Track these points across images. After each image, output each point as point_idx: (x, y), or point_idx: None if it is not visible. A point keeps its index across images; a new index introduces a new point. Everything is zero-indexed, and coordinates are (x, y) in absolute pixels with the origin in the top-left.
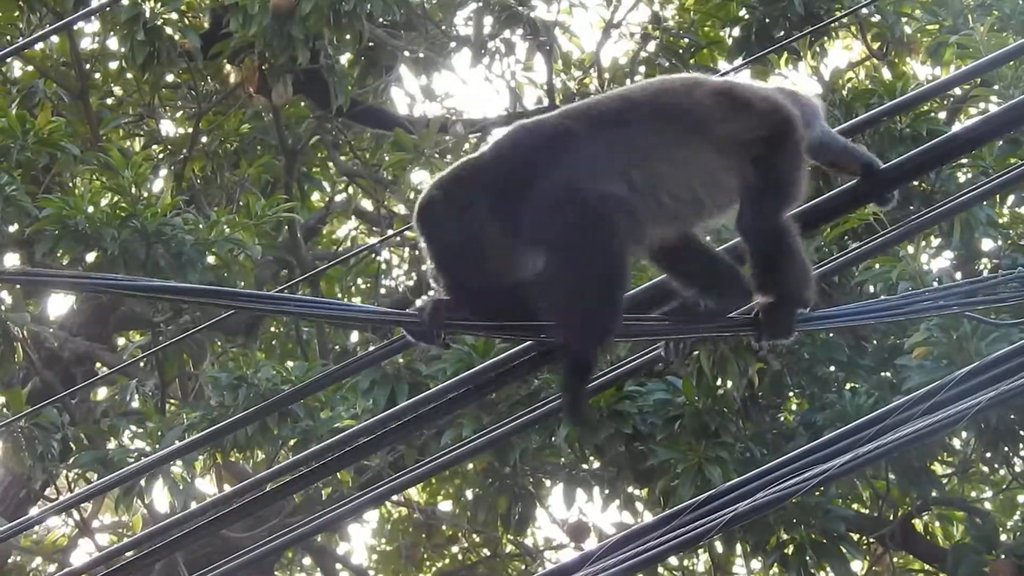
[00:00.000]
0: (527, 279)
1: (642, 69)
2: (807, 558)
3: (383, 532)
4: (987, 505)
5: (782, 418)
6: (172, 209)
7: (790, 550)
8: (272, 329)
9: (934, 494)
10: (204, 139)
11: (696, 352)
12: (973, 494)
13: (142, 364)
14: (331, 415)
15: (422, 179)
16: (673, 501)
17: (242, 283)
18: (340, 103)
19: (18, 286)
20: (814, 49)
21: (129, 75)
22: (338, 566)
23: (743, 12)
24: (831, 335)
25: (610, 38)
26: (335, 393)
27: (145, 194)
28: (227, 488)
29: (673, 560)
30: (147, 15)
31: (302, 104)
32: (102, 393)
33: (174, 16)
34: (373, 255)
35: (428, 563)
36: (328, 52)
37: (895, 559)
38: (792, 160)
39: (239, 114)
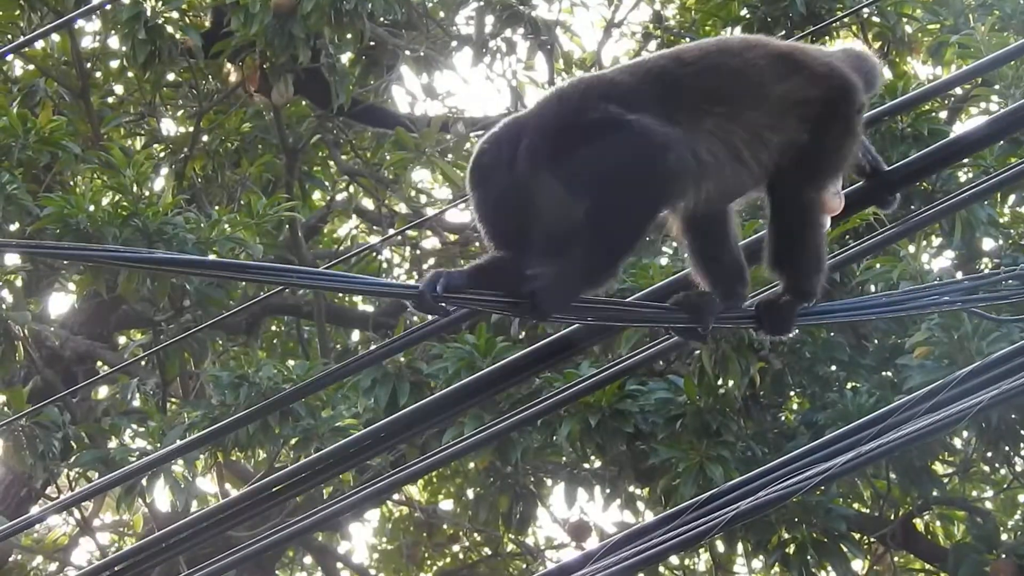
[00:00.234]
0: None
1: None
2: (808, 557)
3: (384, 531)
4: (988, 505)
5: (783, 417)
6: (173, 208)
7: (791, 549)
8: (273, 328)
9: (935, 493)
10: (205, 138)
11: (698, 351)
12: (974, 493)
13: (143, 363)
14: (332, 414)
15: (423, 178)
16: (674, 500)
17: (243, 282)
18: (341, 102)
19: (19, 285)
20: None
21: (130, 74)
22: (339, 565)
23: (744, 12)
24: (832, 334)
25: (611, 37)
26: (336, 392)
27: (146, 193)
28: (228, 487)
29: (674, 559)
30: (148, 14)
31: (303, 103)
32: (103, 392)
33: (175, 15)
34: (374, 254)
35: (429, 562)
36: (329, 51)
37: (896, 558)
38: (846, 129)
39: (240, 113)
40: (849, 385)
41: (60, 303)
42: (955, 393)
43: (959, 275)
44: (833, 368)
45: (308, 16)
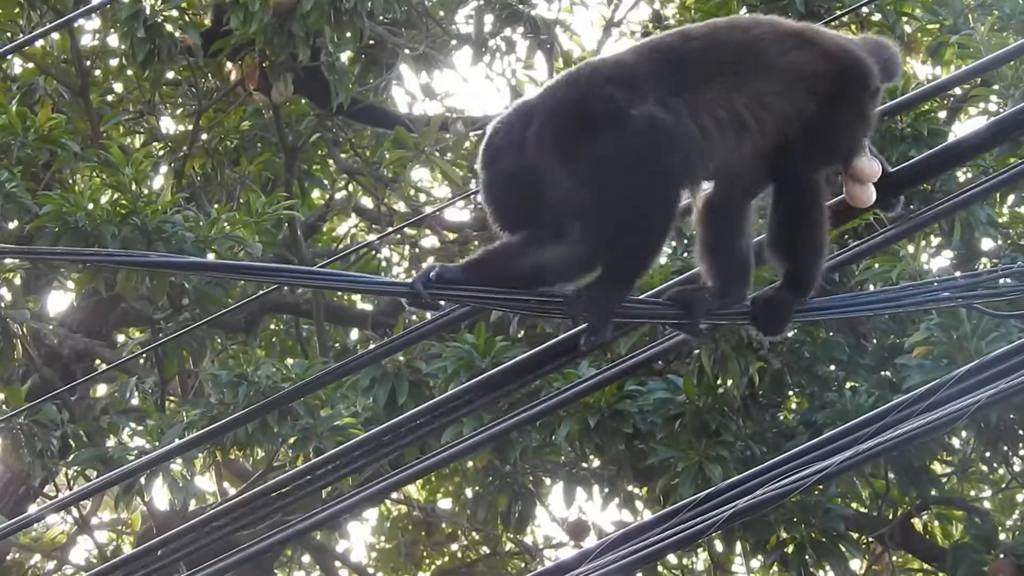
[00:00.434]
0: (574, 213)
1: None
2: (806, 557)
3: (382, 530)
4: (986, 504)
5: (782, 417)
6: (172, 206)
7: (790, 549)
8: (272, 326)
9: (933, 493)
10: (204, 136)
11: (697, 350)
12: (972, 493)
13: (142, 361)
14: (331, 413)
15: (422, 177)
16: (673, 500)
17: (242, 280)
18: (340, 101)
19: (18, 283)
20: None
21: (129, 72)
22: (337, 564)
23: (744, 10)
24: (831, 334)
25: (611, 36)
26: (335, 391)
27: (145, 191)
28: (227, 486)
29: (672, 558)
30: (147, 12)
31: (303, 101)
32: (102, 390)
33: (174, 13)
34: (373, 252)
35: (428, 561)
36: (329, 50)
37: (894, 558)
38: (856, 110)
39: (239, 111)
40: (848, 385)
41: (59, 301)
42: (953, 392)
43: (957, 275)
44: (832, 368)
45: (308, 14)
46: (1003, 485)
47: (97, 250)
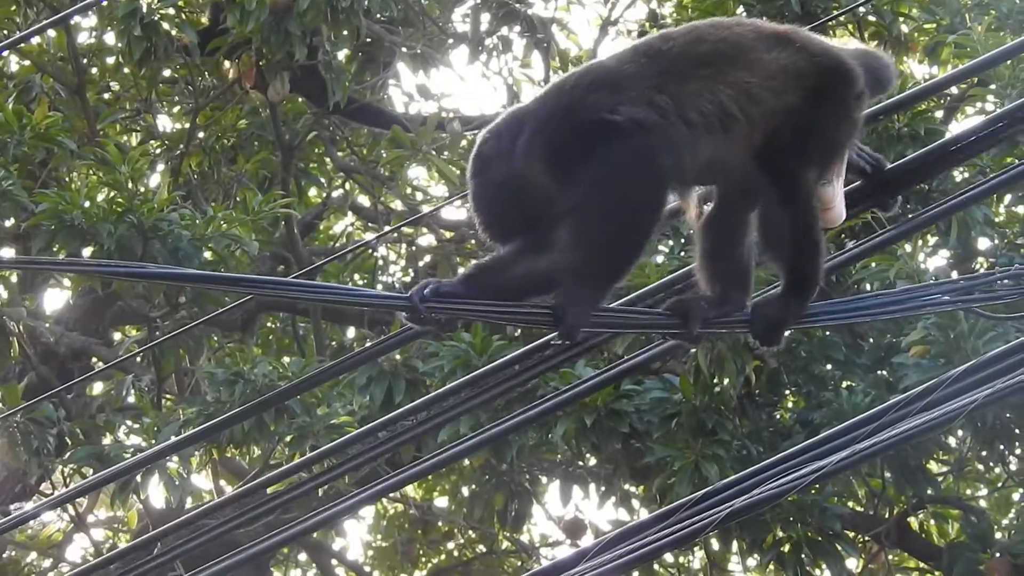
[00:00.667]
0: (563, 221)
1: None
2: (803, 556)
3: (379, 528)
4: (982, 503)
5: (779, 416)
6: (169, 204)
7: (786, 548)
8: (269, 325)
9: (930, 492)
10: (201, 134)
11: (693, 350)
12: (969, 492)
13: (138, 359)
14: (328, 411)
15: (419, 175)
16: (670, 498)
17: (240, 292)
18: (337, 99)
19: (15, 281)
20: None
21: (126, 70)
22: (334, 562)
23: (740, 10)
24: (828, 333)
25: (607, 35)
26: (332, 389)
27: (142, 189)
28: (223, 484)
29: (669, 557)
30: (144, 10)
31: (299, 100)
32: (98, 388)
33: (171, 11)
34: (370, 251)
35: (424, 559)
36: (325, 48)
37: (891, 557)
38: (842, 110)
39: (236, 110)
40: (845, 384)
41: (55, 299)
42: (950, 392)
43: (955, 274)
44: (829, 367)
45: (304, 13)
46: (999, 484)
47: (98, 261)
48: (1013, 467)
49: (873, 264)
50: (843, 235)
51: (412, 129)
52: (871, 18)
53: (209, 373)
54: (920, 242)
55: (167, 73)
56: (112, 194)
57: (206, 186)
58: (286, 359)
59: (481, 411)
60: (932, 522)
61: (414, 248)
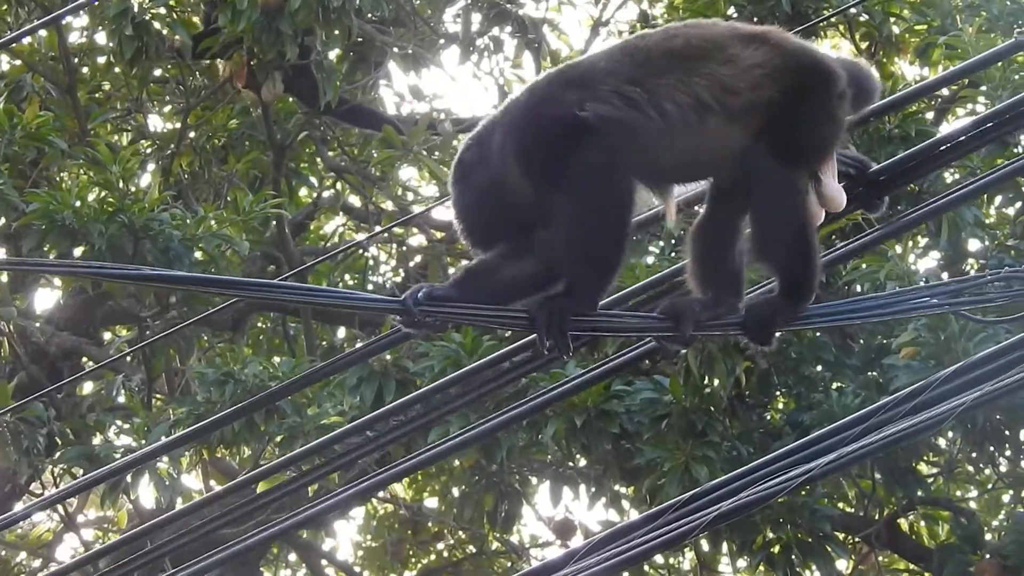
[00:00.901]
0: (541, 224)
1: None
2: (793, 557)
3: (369, 528)
4: (972, 505)
5: (769, 417)
6: (160, 204)
7: (776, 549)
8: (259, 325)
9: (920, 494)
10: (192, 134)
11: (684, 351)
12: (958, 494)
13: (129, 359)
14: (318, 412)
15: (410, 175)
16: (660, 500)
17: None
18: (328, 99)
19: (5, 280)
20: None
21: (117, 70)
22: (323, 562)
23: (731, 10)
24: (818, 334)
25: (599, 36)
26: (322, 389)
27: (133, 189)
28: (213, 484)
29: (659, 558)
30: (135, 10)
31: (290, 100)
32: (88, 388)
33: (162, 11)
34: (361, 251)
35: (414, 560)
36: (317, 48)
37: (881, 559)
38: (824, 110)
39: (227, 109)
40: (835, 385)
41: (46, 299)
42: (939, 393)
43: (945, 276)
44: (819, 368)
45: (296, 13)
46: (989, 486)
47: (88, 263)
48: (1003, 469)
49: (864, 265)
50: (833, 236)
51: (403, 130)
52: (862, 19)
53: (199, 373)
54: (910, 243)
55: (158, 73)
56: (103, 194)
57: (197, 186)
58: (276, 359)
59: (471, 411)
60: (922, 523)
61: (405, 248)
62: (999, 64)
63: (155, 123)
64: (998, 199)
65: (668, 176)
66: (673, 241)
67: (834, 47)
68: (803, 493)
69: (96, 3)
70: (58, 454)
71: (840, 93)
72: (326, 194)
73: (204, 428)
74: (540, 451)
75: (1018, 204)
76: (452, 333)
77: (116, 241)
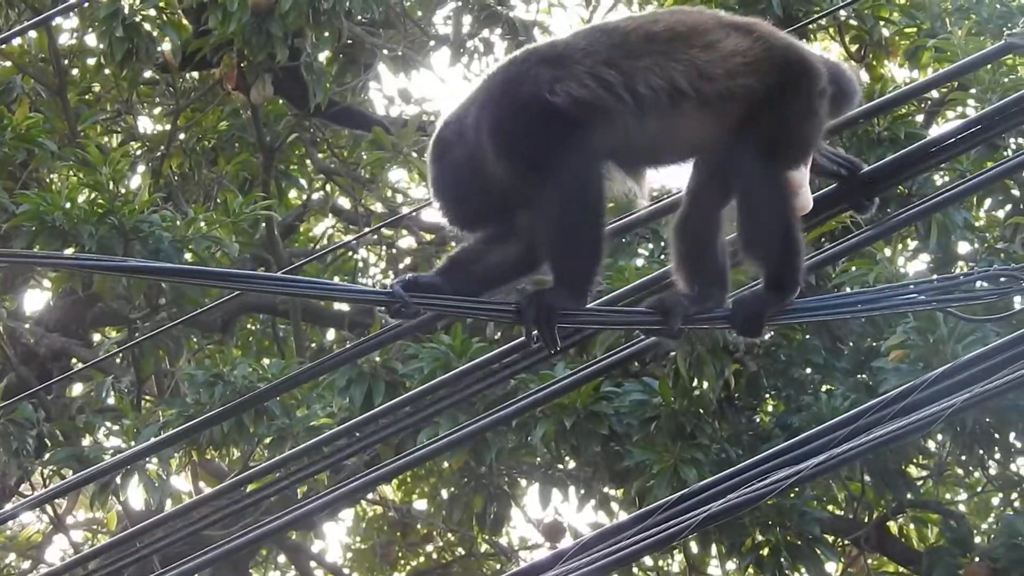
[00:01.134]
0: (521, 205)
1: None
2: (782, 559)
3: (358, 530)
4: (962, 507)
5: (758, 420)
6: (150, 206)
7: (765, 551)
8: (248, 326)
9: (909, 496)
10: (182, 136)
11: (673, 353)
12: (948, 496)
13: (118, 360)
14: (307, 413)
15: (400, 177)
16: (649, 501)
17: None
18: (319, 101)
19: None
20: None
21: (107, 71)
22: (312, 564)
23: (720, 13)
24: (807, 336)
25: None
26: (311, 391)
27: (123, 191)
28: (203, 485)
29: (648, 560)
30: (126, 12)
31: (280, 102)
32: (78, 389)
33: (152, 13)
34: (350, 253)
35: (403, 562)
36: (307, 50)
37: (870, 561)
38: (806, 105)
39: (217, 111)
40: (824, 388)
41: (35, 300)
42: (928, 395)
43: (934, 278)
44: (808, 371)
45: (286, 14)
46: (979, 488)
47: (76, 255)
48: (992, 471)
49: (853, 268)
50: (822, 238)
51: (393, 131)
52: (852, 22)
53: (189, 374)
54: (900, 246)
55: (148, 74)
56: (93, 195)
57: (187, 187)
58: (266, 360)
59: (460, 412)
60: (912, 526)
61: (394, 250)
62: (988, 67)
63: (145, 125)
64: (987, 202)
65: (641, 159)
66: (663, 244)
67: (824, 50)
68: (792, 495)
69: (86, 5)
70: (48, 455)
71: (821, 90)
72: (316, 196)
73: (193, 429)
74: (529, 453)
75: (1007, 207)
76: (441, 335)
77: (106, 242)
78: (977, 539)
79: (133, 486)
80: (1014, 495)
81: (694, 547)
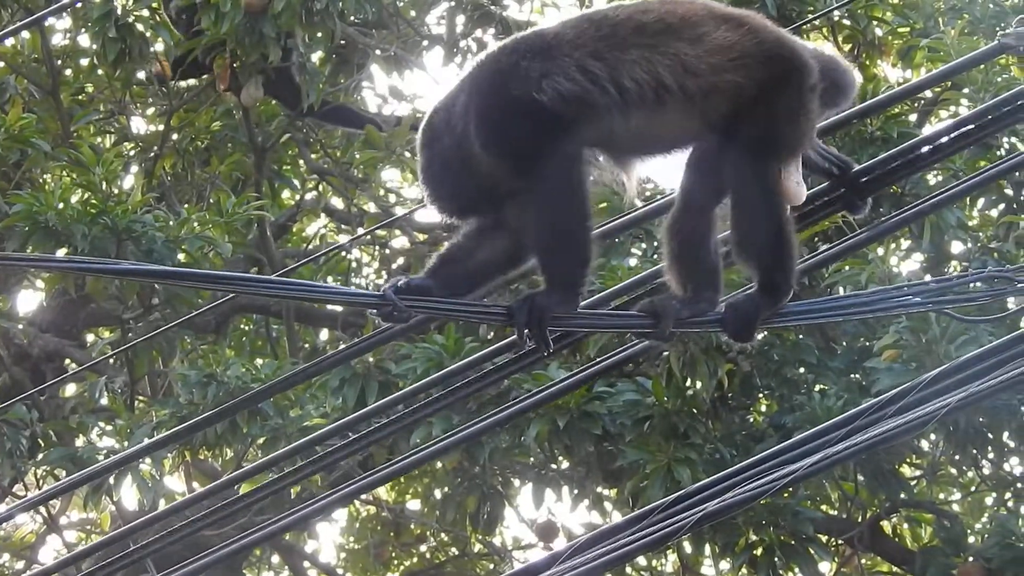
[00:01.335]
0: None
1: None
2: (776, 559)
3: (352, 530)
4: (955, 507)
5: (751, 419)
6: (143, 206)
7: (759, 551)
8: (242, 326)
9: (903, 496)
10: (175, 136)
11: (666, 353)
12: (942, 496)
13: (111, 361)
14: (301, 413)
15: (393, 177)
16: (642, 502)
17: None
18: (311, 101)
19: None
20: None
21: (100, 72)
22: (306, 564)
23: None
24: (801, 336)
25: None
26: (305, 391)
27: (116, 191)
28: (196, 486)
29: (642, 560)
30: (119, 12)
31: (273, 102)
32: (71, 390)
33: (146, 13)
34: (343, 254)
35: (396, 562)
36: (300, 50)
37: (863, 561)
38: (796, 101)
39: (210, 111)
40: (817, 388)
41: (28, 301)
42: (922, 396)
43: (928, 278)
44: (801, 370)
45: (279, 15)
46: (972, 488)
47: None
48: (986, 471)
49: (846, 268)
50: (816, 239)
51: (385, 129)
52: (846, 22)
53: (182, 375)
54: (893, 246)
55: (141, 75)
56: (86, 195)
57: (180, 188)
58: (259, 361)
59: (454, 413)
60: (905, 526)
61: (387, 251)
62: (981, 66)
63: (138, 125)
64: (981, 202)
65: (627, 150)
66: (656, 244)
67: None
68: (786, 495)
69: (79, 5)
70: (41, 456)
71: (811, 86)
72: (308, 196)
73: (187, 430)
74: (523, 453)
75: (1001, 206)
76: (434, 335)
77: (99, 243)
78: (971, 539)
79: (126, 487)
80: (1007, 495)
81: (688, 547)
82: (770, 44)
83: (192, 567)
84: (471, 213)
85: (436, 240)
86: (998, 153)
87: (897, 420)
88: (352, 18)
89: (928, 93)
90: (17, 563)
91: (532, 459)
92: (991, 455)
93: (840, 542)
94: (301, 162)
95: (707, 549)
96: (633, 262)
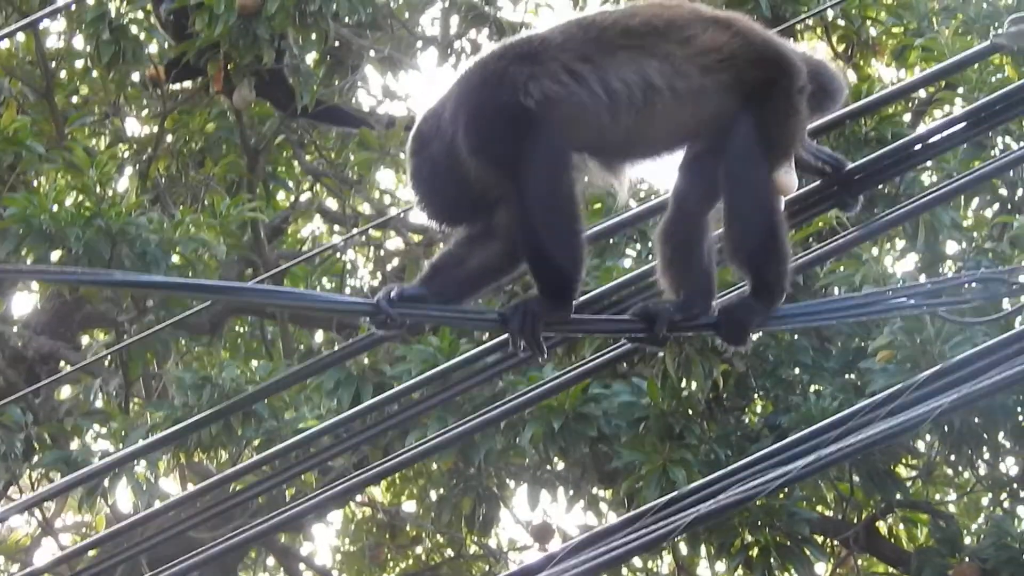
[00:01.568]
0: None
1: None
2: (771, 560)
3: (347, 532)
4: (951, 508)
5: (747, 420)
6: (137, 208)
7: (754, 552)
8: (237, 328)
9: (898, 497)
10: (169, 138)
11: (661, 354)
12: (937, 497)
13: (106, 363)
14: (295, 415)
15: (387, 178)
16: (638, 503)
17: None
18: (305, 103)
19: None
20: None
21: (95, 74)
22: (302, 566)
23: None
24: (795, 337)
25: None
26: (299, 393)
27: (110, 193)
28: (191, 488)
29: (637, 561)
30: (113, 14)
31: (267, 103)
32: (66, 392)
33: (140, 15)
34: (338, 255)
35: (392, 564)
36: (293, 52)
37: (859, 561)
38: (786, 103)
39: (204, 113)
40: (812, 388)
41: (23, 303)
42: (917, 396)
43: (922, 278)
44: (796, 371)
45: (273, 17)
46: (968, 489)
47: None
48: (982, 471)
49: (840, 268)
50: (810, 238)
51: (379, 129)
52: (839, 22)
53: (177, 377)
54: (887, 246)
55: (135, 77)
56: (80, 198)
57: (174, 190)
58: (254, 363)
59: (449, 414)
60: (901, 527)
61: (382, 252)
62: (975, 66)
63: (132, 127)
64: (975, 201)
65: (617, 154)
66: (650, 245)
67: (811, 49)
68: (781, 496)
69: (74, 7)
70: (36, 458)
71: (800, 88)
72: (303, 197)
73: (181, 432)
74: (518, 454)
75: (995, 206)
76: (429, 336)
77: (93, 245)
78: (967, 539)
79: (121, 489)
80: (1003, 495)
81: (683, 548)
82: (758, 46)
83: (184, 565)
84: (462, 219)
85: (431, 241)
86: (992, 153)
87: (891, 421)
88: (346, 19)
89: (922, 93)
90: (12, 566)
91: (527, 460)
92: (987, 455)
93: (836, 543)
94: (296, 163)
95: (703, 550)
96: (628, 263)
